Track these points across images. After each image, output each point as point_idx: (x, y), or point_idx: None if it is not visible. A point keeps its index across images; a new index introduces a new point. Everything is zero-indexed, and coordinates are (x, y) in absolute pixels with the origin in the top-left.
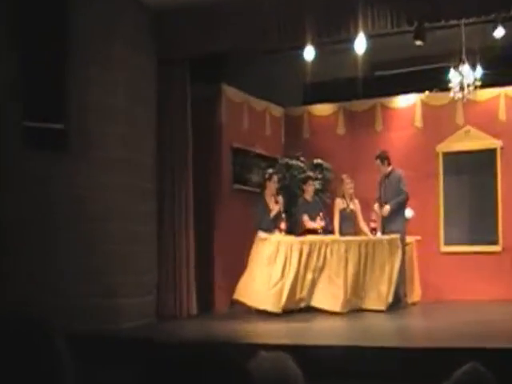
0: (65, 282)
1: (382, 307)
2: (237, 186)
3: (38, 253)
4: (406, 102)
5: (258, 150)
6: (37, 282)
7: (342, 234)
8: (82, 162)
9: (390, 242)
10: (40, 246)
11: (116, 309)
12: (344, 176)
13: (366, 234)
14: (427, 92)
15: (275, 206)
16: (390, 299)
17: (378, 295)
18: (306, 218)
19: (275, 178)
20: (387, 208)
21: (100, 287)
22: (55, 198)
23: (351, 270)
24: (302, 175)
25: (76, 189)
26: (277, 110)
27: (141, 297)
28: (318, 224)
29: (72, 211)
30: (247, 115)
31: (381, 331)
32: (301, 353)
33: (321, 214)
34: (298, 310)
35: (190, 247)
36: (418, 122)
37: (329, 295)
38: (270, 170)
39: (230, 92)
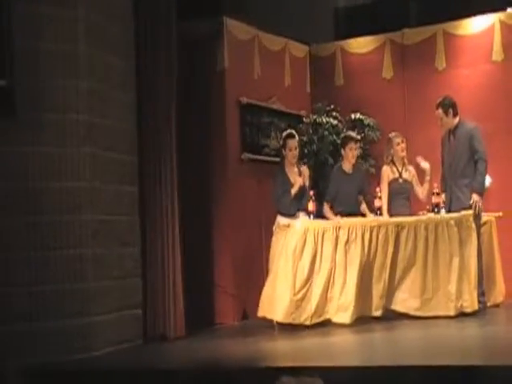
0: (16, 298)
1: (450, 312)
2: (247, 156)
3: None
4: (479, 25)
5: (276, 106)
6: None
7: (392, 214)
8: (33, 129)
9: (460, 221)
10: None
11: (87, 330)
12: (392, 134)
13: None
14: (510, 9)
15: (298, 180)
16: (473, 302)
17: (445, 296)
18: (326, 206)
19: (293, 141)
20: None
21: (64, 302)
22: None
23: (401, 261)
24: (338, 136)
25: (25, 165)
26: (299, 49)
27: (121, 311)
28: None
29: (20, 196)
30: (259, 57)
31: (440, 345)
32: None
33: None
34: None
35: (175, 240)
36: (498, 54)
37: (372, 296)
38: (288, 131)
39: (235, 27)
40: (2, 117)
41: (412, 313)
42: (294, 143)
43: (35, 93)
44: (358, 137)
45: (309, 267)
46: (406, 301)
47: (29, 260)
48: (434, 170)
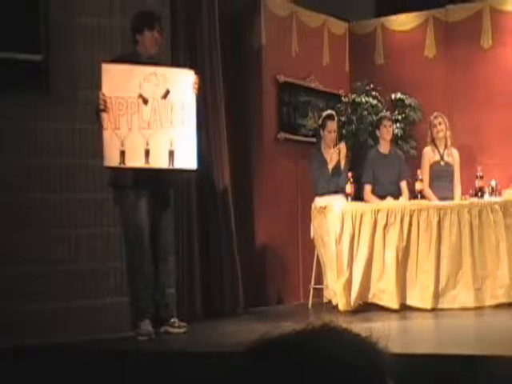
0: (53, 276)
1: (502, 300)
2: (284, 135)
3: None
4: None
5: (314, 84)
6: None
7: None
8: (68, 105)
9: (505, 206)
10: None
11: (123, 309)
12: (434, 115)
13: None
14: None
15: (334, 157)
16: None
17: (496, 283)
18: (367, 189)
19: (333, 123)
20: None
21: (97, 281)
22: (31, 160)
23: (447, 249)
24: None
25: (59, 141)
26: (338, 26)
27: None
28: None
29: (54, 173)
30: (297, 35)
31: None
32: None
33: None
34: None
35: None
36: None
37: (417, 286)
38: (329, 111)
39: (272, 2)
40: (37, 92)
41: (466, 306)
42: (333, 125)
43: (70, 68)
44: (394, 116)
45: (348, 252)
46: (457, 296)
47: (62, 237)
48: (479, 152)
